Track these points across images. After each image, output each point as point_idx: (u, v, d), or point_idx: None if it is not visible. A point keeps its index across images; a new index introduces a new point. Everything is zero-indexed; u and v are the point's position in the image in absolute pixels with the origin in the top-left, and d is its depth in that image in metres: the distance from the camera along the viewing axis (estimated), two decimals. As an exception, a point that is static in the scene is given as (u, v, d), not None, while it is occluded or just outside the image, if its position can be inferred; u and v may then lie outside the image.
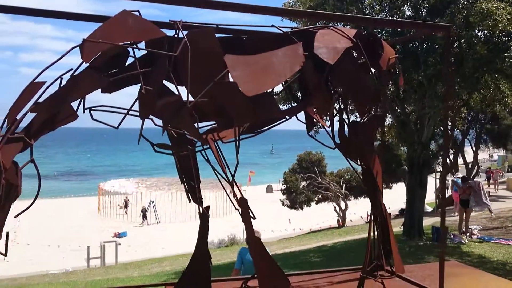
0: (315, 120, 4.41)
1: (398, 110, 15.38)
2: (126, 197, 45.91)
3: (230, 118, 3.78)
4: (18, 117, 3.31)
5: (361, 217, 33.80)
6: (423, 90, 13.39)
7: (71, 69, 3.48)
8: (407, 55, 12.25)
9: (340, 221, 32.43)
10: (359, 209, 38.44)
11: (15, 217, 3.52)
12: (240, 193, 3.74)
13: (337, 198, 32.04)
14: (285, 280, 3.76)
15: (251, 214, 3.71)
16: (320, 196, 32.67)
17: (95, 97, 3.72)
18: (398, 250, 4.62)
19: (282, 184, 32.81)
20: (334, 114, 4.37)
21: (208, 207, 4.20)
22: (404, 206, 19.03)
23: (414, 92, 13.83)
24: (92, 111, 3.68)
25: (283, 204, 32.48)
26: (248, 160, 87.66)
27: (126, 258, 25.43)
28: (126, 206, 44.60)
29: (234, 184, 3.76)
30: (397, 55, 4.17)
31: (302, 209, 32.13)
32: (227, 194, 3.94)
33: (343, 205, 32.50)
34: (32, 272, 23.23)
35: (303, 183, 32.02)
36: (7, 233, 3.20)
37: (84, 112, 3.67)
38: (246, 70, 3.63)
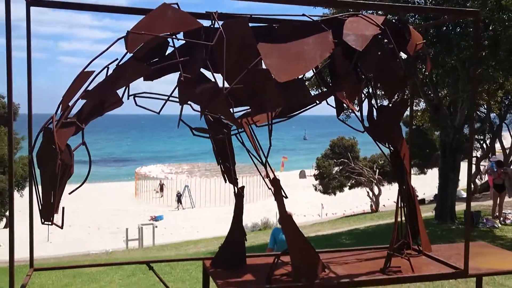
0: (344, 104, 4.60)
1: (431, 94, 15.25)
2: (161, 181, 47.01)
3: (263, 103, 4.01)
4: (70, 103, 3.65)
5: (394, 202, 33.56)
6: (457, 74, 13.23)
7: (117, 58, 3.79)
8: (440, 38, 12.13)
9: (374, 206, 32.35)
10: (393, 194, 38.09)
11: (69, 193, 3.87)
12: (273, 173, 3.98)
13: (370, 184, 31.95)
14: (315, 256, 4.01)
15: (283, 193, 3.95)
16: (353, 181, 32.67)
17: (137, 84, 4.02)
18: (425, 230, 4.78)
19: (315, 169, 32.94)
20: (363, 99, 4.54)
21: (243, 187, 4.46)
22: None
23: (447, 76, 13.69)
24: (135, 98, 3.99)
25: (315, 189, 32.66)
26: (281, 146, 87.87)
27: (162, 240, 26.23)
28: (161, 189, 45.78)
29: (267, 165, 3.99)
30: (425, 40, 4.30)
31: (335, 194, 32.23)
32: (260, 174, 4.19)
33: (376, 191, 32.39)
34: (75, 252, 24.29)
35: (336, 169, 32.05)
36: (63, 208, 3.55)
37: (128, 98, 3.98)
38: (278, 58, 3.85)
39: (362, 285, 4.01)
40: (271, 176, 3.93)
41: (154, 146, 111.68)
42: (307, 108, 4.43)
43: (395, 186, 34.10)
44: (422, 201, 33.07)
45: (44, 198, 3.50)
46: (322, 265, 4.05)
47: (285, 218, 3.96)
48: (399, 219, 4.52)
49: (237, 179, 4.50)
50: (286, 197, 3.97)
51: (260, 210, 39.01)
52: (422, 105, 17.28)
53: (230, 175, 4.45)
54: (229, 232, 4.42)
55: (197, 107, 4.08)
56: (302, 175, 58.84)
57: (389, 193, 36.75)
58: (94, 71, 3.73)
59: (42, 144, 3.52)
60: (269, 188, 4.03)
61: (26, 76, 4.03)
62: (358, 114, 4.49)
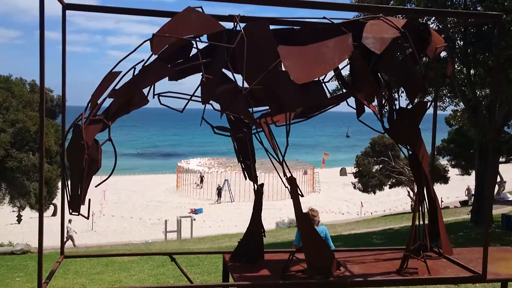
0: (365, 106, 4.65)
1: (469, 95, 14.84)
2: (201, 172, 47.79)
3: (281, 104, 4.13)
4: (98, 101, 3.89)
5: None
6: (496, 74, 12.78)
7: (143, 60, 4.00)
8: (479, 38, 11.79)
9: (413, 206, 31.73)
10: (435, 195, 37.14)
11: (96, 186, 4.12)
12: (290, 172, 4.08)
13: (411, 183, 31.31)
14: (330, 254, 4.10)
15: (299, 192, 4.05)
16: (393, 180, 32.13)
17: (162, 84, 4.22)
18: (446, 233, 4.76)
19: (355, 167, 32.62)
20: (383, 101, 4.57)
21: (262, 184, 4.59)
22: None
23: (487, 76, 13.28)
24: (160, 97, 4.19)
25: (354, 187, 32.35)
26: (323, 143, 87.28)
27: (200, 233, 26.74)
28: (201, 181, 46.59)
29: (284, 164, 4.11)
30: (446, 43, 4.28)
31: (374, 193, 31.81)
32: (278, 173, 4.30)
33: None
34: (116, 242, 25.15)
35: (376, 167, 31.62)
36: (89, 200, 3.80)
37: (153, 97, 4.19)
38: (298, 60, 3.95)
39: (375, 285, 4.06)
40: (288, 174, 4.04)
41: (197, 140, 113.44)
42: (326, 109, 4.51)
43: (437, 186, 33.24)
44: (465, 203, 32.20)
45: (72, 190, 3.75)
46: (337, 263, 4.13)
47: (300, 216, 4.07)
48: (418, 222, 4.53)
49: (257, 176, 4.63)
50: (302, 196, 4.08)
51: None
52: (462, 105, 16.80)
53: (250, 172, 4.60)
54: (248, 227, 4.57)
55: (218, 107, 4.24)
56: (343, 172, 58.31)
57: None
58: (121, 72, 3.95)
59: (71, 139, 3.78)
60: (286, 187, 4.14)
61: (62, 72, 4.32)
62: (378, 116, 4.54)
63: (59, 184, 20.84)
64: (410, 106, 4.39)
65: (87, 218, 3.85)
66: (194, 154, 73.53)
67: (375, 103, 4.66)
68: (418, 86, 4.28)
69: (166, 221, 26.27)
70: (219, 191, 41.86)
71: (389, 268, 4.35)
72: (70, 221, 25.94)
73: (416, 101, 4.36)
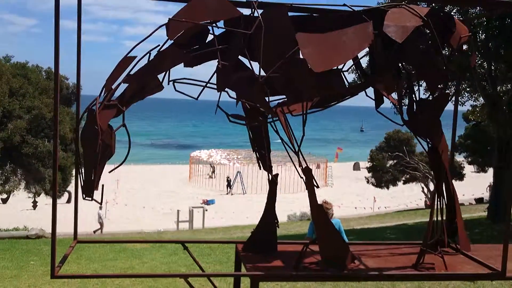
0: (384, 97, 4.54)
1: (489, 89, 14.55)
2: (212, 163, 47.92)
3: (298, 93, 4.04)
4: (113, 86, 3.84)
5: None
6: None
7: (158, 45, 3.94)
8: (502, 31, 11.51)
9: (428, 202, 31.41)
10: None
11: (109, 172, 4.08)
12: (305, 162, 4.00)
13: (425, 179, 31.03)
14: (344, 246, 4.02)
15: (314, 183, 3.97)
16: (407, 176, 31.86)
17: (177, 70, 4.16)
18: (464, 229, 4.66)
19: (368, 161, 32.38)
20: (403, 92, 4.46)
21: (277, 174, 4.51)
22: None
23: (508, 71, 13.00)
24: (175, 83, 4.13)
25: (368, 182, 32.12)
26: (337, 137, 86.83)
27: (212, 224, 26.81)
28: (213, 172, 46.76)
29: (300, 154, 4.03)
30: (470, 33, 4.15)
31: (387, 188, 31.58)
32: (293, 163, 4.22)
33: (431, 187, 31.39)
34: (129, 230, 25.33)
35: (390, 162, 31.36)
36: (103, 185, 3.76)
37: (168, 84, 4.13)
38: (316, 48, 3.84)
39: (391, 279, 3.99)
40: (303, 165, 3.96)
41: (211, 131, 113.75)
42: (343, 99, 4.42)
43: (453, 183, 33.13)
44: (481, 200, 31.83)
45: (85, 176, 3.72)
46: (351, 256, 4.05)
47: (315, 208, 3.99)
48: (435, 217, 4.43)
49: (272, 166, 4.56)
50: (317, 187, 4.00)
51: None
52: (482, 100, 16.51)
53: (264, 162, 4.53)
54: (262, 218, 4.51)
55: (234, 94, 4.17)
56: (357, 167, 58.00)
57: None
58: (136, 57, 3.89)
59: (85, 124, 3.74)
60: (301, 177, 4.06)
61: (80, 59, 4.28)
62: (396, 107, 4.43)
63: (73, 172, 21.08)
64: (430, 98, 4.27)
65: (100, 203, 3.82)
66: (207, 145, 73.69)
67: (394, 94, 4.55)
68: (440, 77, 4.16)
69: (178, 211, 26.37)
70: (229, 182, 41.93)
71: (405, 262, 4.26)
72: (100, 207, 26.32)
73: (437, 92, 4.23)
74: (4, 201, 33.73)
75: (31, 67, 19.61)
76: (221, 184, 43.15)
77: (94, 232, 24.95)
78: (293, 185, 42.94)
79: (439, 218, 4.40)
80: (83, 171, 3.74)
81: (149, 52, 3.94)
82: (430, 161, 4.47)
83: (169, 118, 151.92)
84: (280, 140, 4.23)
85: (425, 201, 32.14)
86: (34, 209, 31.57)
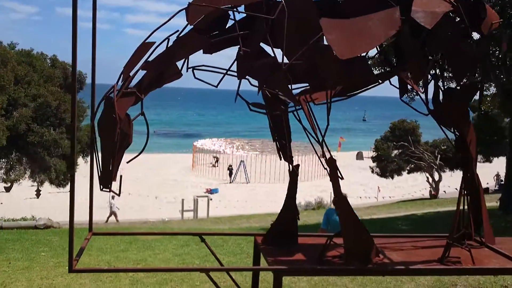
0: (409, 85, 4.39)
1: (503, 78, 14.31)
2: (216, 154, 47.89)
3: (323, 81, 3.89)
4: (131, 73, 3.70)
5: (456, 189, 32.35)
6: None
7: (177, 30, 3.78)
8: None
9: (433, 192, 31.33)
10: (454, 181, 36.74)
11: (127, 162, 3.96)
12: (329, 153, 3.87)
13: (430, 169, 30.90)
14: (369, 239, 3.90)
15: (339, 174, 3.84)
16: (412, 165, 31.73)
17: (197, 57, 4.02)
18: (489, 221, 4.53)
19: (373, 151, 32.22)
20: (429, 80, 4.30)
21: (298, 165, 4.38)
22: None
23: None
24: (194, 70, 3.99)
25: (372, 172, 32.01)
26: (339, 126, 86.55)
27: (216, 213, 26.78)
28: (217, 161, 46.76)
29: (324, 144, 3.89)
30: (501, 20, 3.98)
31: (392, 177, 31.49)
32: (317, 154, 4.09)
33: (436, 176, 31.30)
34: (133, 219, 25.31)
35: (395, 152, 31.21)
36: (121, 176, 3.64)
37: (187, 71, 3.98)
38: (341, 34, 3.68)
39: (418, 274, 3.87)
40: (327, 156, 3.83)
41: (214, 120, 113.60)
42: (368, 87, 4.26)
43: (457, 173, 32.93)
44: (486, 190, 31.71)
45: (103, 166, 3.59)
46: (376, 250, 3.93)
47: (340, 199, 3.86)
48: (461, 208, 4.29)
49: (292, 157, 4.43)
50: (342, 178, 3.87)
51: (315, 189, 38.89)
52: (493, 89, 16.27)
53: (285, 152, 4.39)
54: (282, 209, 4.38)
55: (255, 82, 4.02)
56: (360, 156, 57.86)
57: (450, 180, 35.37)
58: (154, 43, 3.75)
59: (103, 112, 3.61)
60: (325, 168, 3.93)
61: (91, 47, 4.14)
62: (423, 96, 4.27)
63: (79, 160, 21.02)
64: (457, 87, 4.11)
65: (119, 195, 3.70)
66: (210, 134, 73.62)
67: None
68: (469, 66, 4.00)
69: (183, 200, 26.33)
70: (230, 171, 41.89)
71: (429, 256, 4.13)
72: (113, 197, 26.32)
73: (465, 81, 4.08)
74: (8, 189, 33.72)
75: (36, 54, 19.42)
76: (224, 173, 43.10)
77: (106, 221, 24.99)
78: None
79: (465, 211, 4.26)
80: (100, 161, 3.61)
81: (167, 38, 3.80)
82: (458, 152, 4.33)
83: (172, 107, 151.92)
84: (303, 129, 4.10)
85: (430, 191, 32.03)
86: (38, 197, 31.56)
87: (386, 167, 30.57)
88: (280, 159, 4.43)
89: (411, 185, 38.74)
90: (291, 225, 4.35)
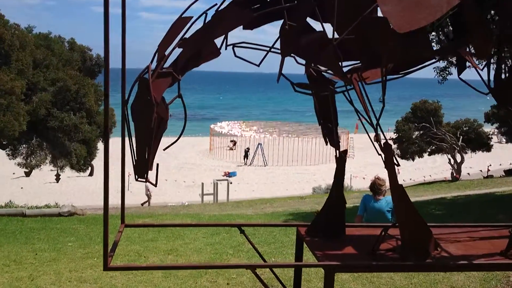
0: (467, 62, 3.99)
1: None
2: (233, 138, 47.64)
3: (377, 57, 3.51)
4: (166, 52, 3.36)
5: (481, 171, 31.71)
6: None
7: (215, 4, 3.43)
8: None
9: (455, 174, 30.70)
10: (476, 163, 36.06)
11: (164, 150, 3.66)
12: (384, 137, 3.52)
13: (452, 150, 30.23)
14: (428, 232, 3.56)
15: (395, 161, 3.49)
16: (433, 147, 31.08)
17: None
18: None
19: (394, 132, 31.57)
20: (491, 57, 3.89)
21: (346, 151, 4.04)
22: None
23: None
24: (234, 48, 3.64)
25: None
26: (352, 107, 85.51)
27: (235, 196, 26.61)
28: (234, 144, 46.59)
29: (379, 128, 3.54)
30: None
31: (413, 159, 30.93)
32: (370, 138, 3.74)
33: (458, 158, 30.63)
34: (153, 203, 25.28)
35: (416, 133, 30.56)
36: (157, 164, 3.33)
37: (226, 49, 3.64)
38: (398, 5, 3.30)
39: (482, 269, 3.52)
40: (382, 140, 3.48)
41: (229, 103, 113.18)
42: (425, 64, 3.86)
43: (479, 155, 32.08)
44: (510, 172, 31.00)
45: (138, 154, 3.30)
46: (434, 243, 3.59)
47: (397, 188, 3.50)
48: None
49: (340, 142, 4.08)
50: (398, 165, 3.51)
51: (333, 172, 38.41)
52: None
53: (332, 137, 4.04)
54: (328, 199, 4.05)
55: (302, 60, 3.66)
56: (377, 138, 57.04)
57: (472, 162, 34.70)
58: (191, 17, 3.40)
59: (137, 95, 3.29)
60: (379, 154, 3.58)
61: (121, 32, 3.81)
62: (482, 73, 3.86)
63: (99, 145, 20.84)
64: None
65: (155, 185, 3.40)
66: (227, 117, 73.36)
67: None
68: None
69: (202, 184, 26.18)
70: (246, 153, 41.61)
71: (490, 249, 3.78)
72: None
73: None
74: (28, 174, 33.93)
75: (54, 38, 19.13)
76: (241, 156, 42.88)
77: (142, 204, 25.03)
78: (315, 156, 42.56)
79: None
80: (134, 150, 3.31)
81: (205, 13, 3.45)
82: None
83: (188, 90, 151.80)
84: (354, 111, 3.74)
85: (452, 173, 31.39)
86: (57, 182, 31.71)
87: (407, 148, 29.97)
88: (326, 144, 4.09)
89: (431, 167, 38.11)
90: (339, 215, 4.02)
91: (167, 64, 3.44)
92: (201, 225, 4.66)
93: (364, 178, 33.49)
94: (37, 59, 16.73)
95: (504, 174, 30.56)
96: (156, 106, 3.19)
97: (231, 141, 47.76)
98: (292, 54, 3.61)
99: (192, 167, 39.17)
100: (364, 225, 4.39)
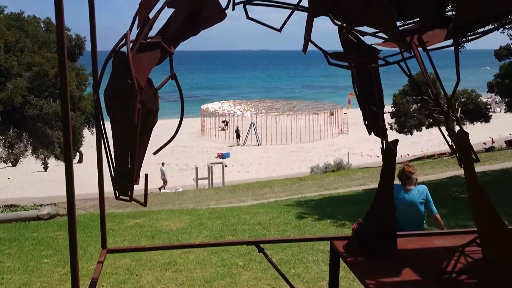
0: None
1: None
2: (225, 120, 46.57)
3: (443, 12, 2.54)
4: (151, 15, 2.35)
5: (484, 143, 30.98)
6: None
7: None
8: None
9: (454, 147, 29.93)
10: (475, 134, 35.34)
11: (154, 154, 2.69)
12: (459, 124, 2.57)
13: (452, 123, 29.45)
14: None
15: (472, 154, 2.54)
16: (430, 120, 30.24)
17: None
18: None
19: (391, 106, 30.64)
20: None
21: (396, 141, 3.07)
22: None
23: None
24: (246, 6, 2.63)
25: (391, 128, 30.58)
26: (348, 83, 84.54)
27: (230, 178, 25.66)
28: (226, 124, 45.57)
29: (451, 110, 2.58)
30: None
31: (411, 133, 30.13)
32: (434, 119, 2.76)
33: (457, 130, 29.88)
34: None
35: (414, 106, 29.66)
36: (146, 175, 2.36)
37: (234, 8, 2.64)
38: None
39: None
40: (456, 128, 2.51)
41: (216, 82, 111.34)
42: (502, 23, 2.88)
43: (477, 126, 31.34)
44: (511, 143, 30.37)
45: (118, 161, 2.32)
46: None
47: (475, 190, 2.55)
48: None
49: (386, 129, 3.10)
50: (477, 160, 2.56)
51: (328, 149, 37.62)
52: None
53: (376, 123, 3.06)
54: (374, 205, 3.09)
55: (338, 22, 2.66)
56: (371, 112, 56.23)
57: (471, 133, 33.81)
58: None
59: (112, 77, 2.29)
60: (449, 145, 2.64)
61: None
62: None
63: (84, 132, 19.69)
64: None
65: (145, 204, 2.43)
66: (216, 97, 72.07)
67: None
68: None
69: (196, 168, 25.18)
70: (238, 133, 40.60)
71: None
72: (163, 164, 25.42)
73: None
74: (14, 163, 32.68)
75: (27, 18, 17.73)
76: (234, 137, 41.85)
77: (160, 189, 24.11)
78: (309, 134, 41.66)
79: None
80: (112, 156, 2.34)
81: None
82: None
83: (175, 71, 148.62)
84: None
85: (451, 146, 30.68)
86: (45, 170, 30.51)
87: (405, 122, 29.10)
88: (369, 133, 3.11)
89: (426, 140, 37.33)
90: (389, 226, 3.07)
91: (153, 32, 2.43)
92: (206, 245, 3.69)
93: (361, 155, 32.70)
94: (9, 41, 15.35)
95: (505, 145, 29.89)
96: (140, 91, 2.20)
97: (223, 121, 46.65)
98: (324, 14, 2.61)
99: (184, 150, 38.06)
100: (416, 234, 3.44)
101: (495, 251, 2.57)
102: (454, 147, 2.60)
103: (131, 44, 2.26)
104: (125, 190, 2.33)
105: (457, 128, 2.63)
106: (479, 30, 2.77)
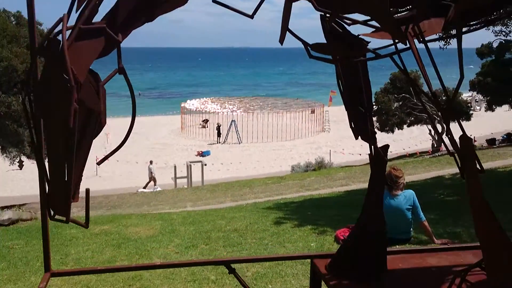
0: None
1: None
2: (205, 118, 46.08)
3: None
4: (94, -5, 1.93)
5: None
6: None
7: None
8: None
9: (436, 145, 30.01)
10: (456, 132, 35.40)
11: (98, 163, 2.26)
12: (462, 128, 2.21)
13: (433, 121, 29.47)
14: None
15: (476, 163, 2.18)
16: (412, 118, 30.22)
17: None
18: None
19: (374, 105, 30.53)
20: None
21: (387, 146, 2.70)
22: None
23: None
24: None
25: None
26: (329, 80, 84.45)
27: (209, 177, 25.21)
28: (206, 122, 45.10)
29: (450, 113, 2.21)
30: None
31: (393, 132, 30.09)
32: (429, 118, 2.40)
33: (440, 128, 29.87)
34: (123, 188, 23.65)
35: (396, 104, 29.58)
36: (87, 190, 1.94)
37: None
38: None
39: None
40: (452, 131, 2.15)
41: (196, 80, 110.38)
42: (497, 17, 2.52)
43: (458, 124, 31.79)
44: (493, 142, 30.53)
45: (52, 174, 1.90)
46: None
47: (478, 204, 2.19)
48: None
49: (375, 132, 2.73)
50: (482, 171, 2.20)
51: (310, 147, 37.38)
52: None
53: (363, 125, 2.68)
54: (360, 221, 2.71)
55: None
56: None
57: (453, 131, 33.94)
58: None
59: (43, 70, 1.88)
60: (449, 152, 2.28)
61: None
62: None
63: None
64: None
65: (86, 226, 2.01)
66: (197, 94, 71.39)
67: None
68: None
69: (175, 166, 24.67)
70: (218, 130, 40.17)
71: None
72: (151, 162, 24.91)
73: None
74: (-12, 162, 31.68)
75: (-4, 11, 16.97)
76: (215, 134, 41.39)
77: (144, 187, 23.60)
78: (290, 132, 41.42)
79: None
80: (47, 168, 1.92)
81: None
82: None
83: (153, 68, 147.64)
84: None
85: (432, 144, 30.75)
86: (21, 169, 29.65)
87: (387, 120, 28.98)
88: (356, 138, 2.73)
89: (408, 138, 37.37)
90: (377, 242, 2.69)
91: (99, 17, 2.01)
92: (173, 265, 3.28)
93: (343, 153, 32.54)
94: (-26, 36, 14.66)
95: (486, 144, 30.02)
96: (78, 88, 1.78)
97: (203, 120, 46.10)
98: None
99: (164, 147, 37.46)
100: (407, 251, 3.07)
101: (498, 269, 2.21)
102: (455, 155, 2.23)
103: (69, 31, 1.85)
104: (61, 208, 1.91)
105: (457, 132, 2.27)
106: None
